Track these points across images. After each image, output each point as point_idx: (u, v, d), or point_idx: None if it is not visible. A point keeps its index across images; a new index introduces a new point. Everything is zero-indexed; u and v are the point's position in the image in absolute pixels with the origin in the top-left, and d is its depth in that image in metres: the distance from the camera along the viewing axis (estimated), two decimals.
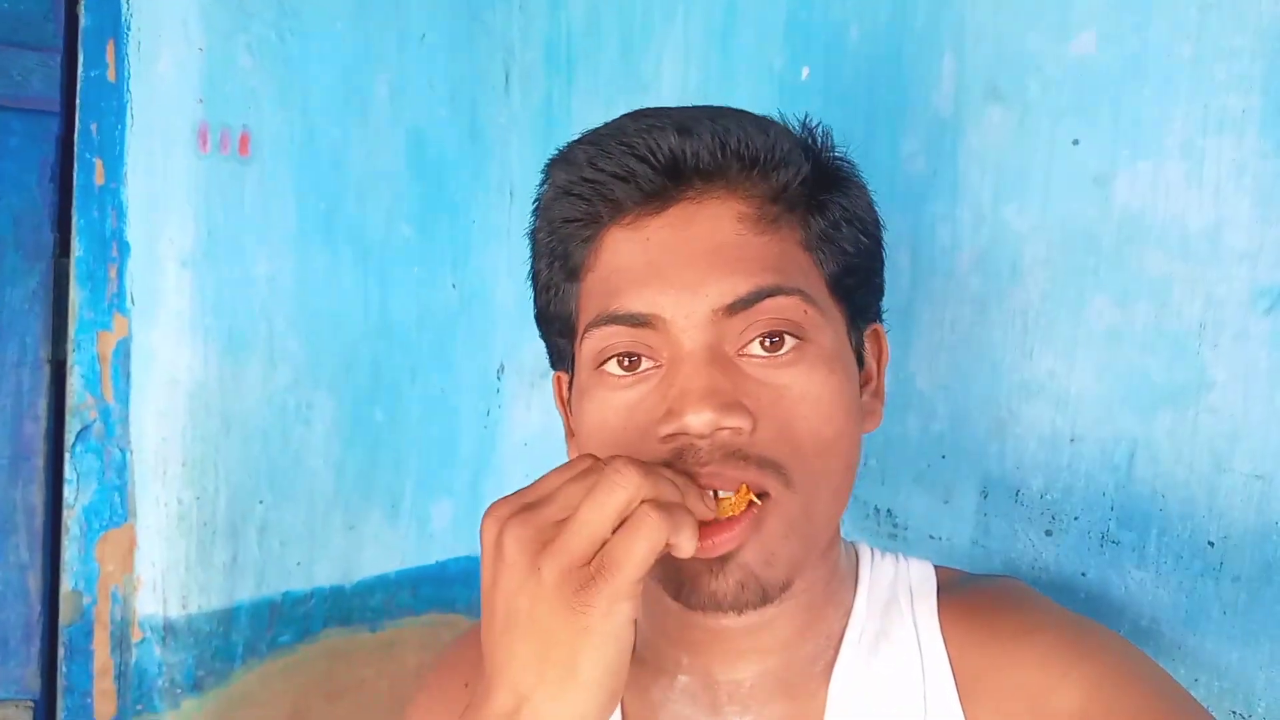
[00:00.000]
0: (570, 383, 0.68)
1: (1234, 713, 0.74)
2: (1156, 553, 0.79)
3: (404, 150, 1.37)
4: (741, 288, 0.57)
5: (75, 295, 1.22)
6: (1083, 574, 0.83)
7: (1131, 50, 0.81)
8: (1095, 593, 0.83)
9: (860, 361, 0.65)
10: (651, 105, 1.23)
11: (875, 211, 0.68)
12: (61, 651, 1.24)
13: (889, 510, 0.99)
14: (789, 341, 0.58)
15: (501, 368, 1.49)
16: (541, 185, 0.67)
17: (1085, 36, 0.84)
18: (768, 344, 0.58)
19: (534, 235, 0.68)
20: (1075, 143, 0.85)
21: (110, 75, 1.21)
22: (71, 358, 1.23)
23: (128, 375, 1.24)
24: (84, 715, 1.24)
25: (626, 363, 0.59)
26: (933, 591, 0.68)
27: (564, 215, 0.63)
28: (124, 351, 1.24)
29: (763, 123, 0.62)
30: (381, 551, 1.41)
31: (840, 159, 0.66)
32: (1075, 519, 0.84)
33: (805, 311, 0.59)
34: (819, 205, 0.62)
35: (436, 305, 1.42)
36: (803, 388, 0.58)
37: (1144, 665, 0.61)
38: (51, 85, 1.22)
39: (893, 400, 0.99)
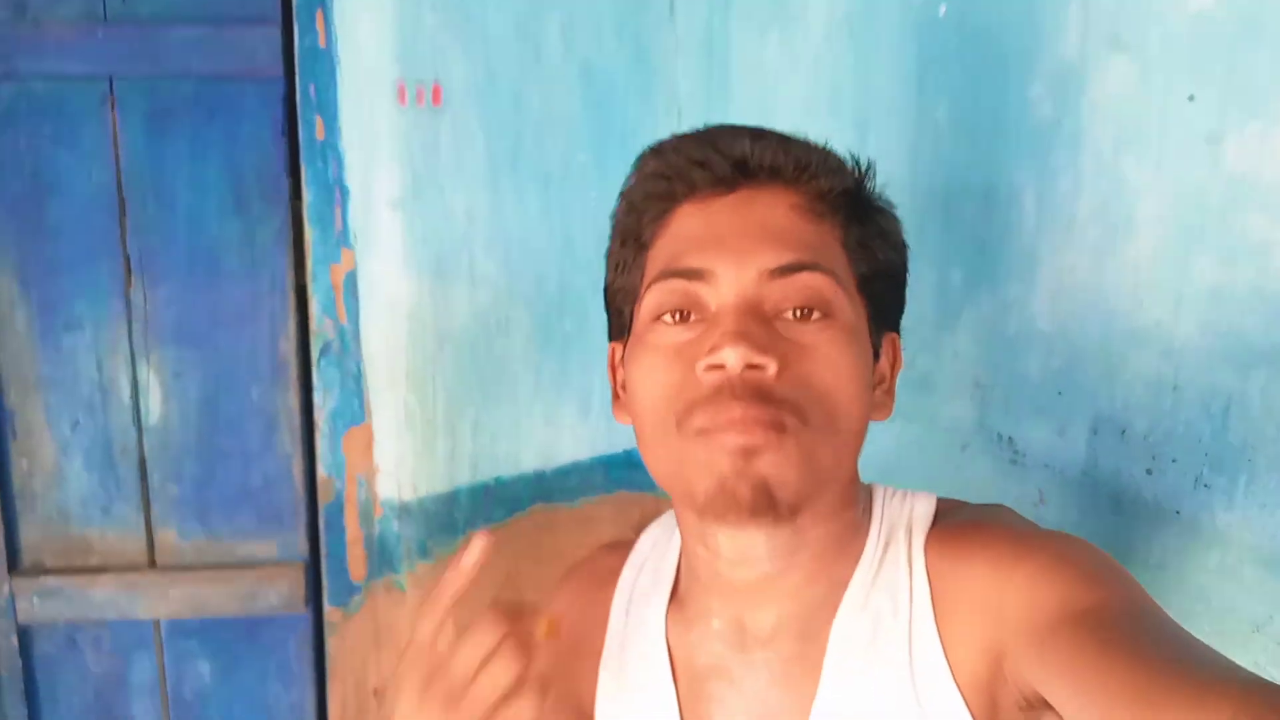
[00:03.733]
0: (624, 349, 0.78)
1: None
2: (1244, 499, 0.84)
3: (576, 83, 1.48)
4: (785, 257, 0.68)
5: (309, 233, 1.44)
6: (1177, 512, 0.90)
7: (1249, 8, 0.81)
8: (1187, 530, 0.89)
9: (876, 356, 0.74)
10: (798, 33, 1.29)
11: (905, 243, 0.75)
12: (322, 525, 1.53)
13: (1010, 438, 1.07)
14: (817, 313, 0.68)
15: None
16: (630, 174, 0.77)
17: None
18: (799, 313, 0.68)
19: (614, 217, 0.79)
20: (1190, 99, 0.86)
21: (321, 42, 1.38)
22: (311, 286, 1.46)
23: (356, 300, 1.46)
24: (343, 574, 1.54)
25: (679, 316, 0.70)
26: (927, 526, 0.75)
27: (645, 192, 0.74)
28: (352, 281, 1.46)
29: (818, 145, 0.71)
30: (576, 441, 1.61)
31: (881, 195, 0.74)
32: (1174, 461, 0.90)
33: (835, 291, 0.68)
34: (860, 216, 0.71)
35: None
36: (825, 350, 0.68)
37: (1080, 553, 0.66)
38: (274, 54, 1.41)
39: (1017, 337, 1.05)
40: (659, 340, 0.71)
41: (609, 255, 0.80)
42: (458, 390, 1.52)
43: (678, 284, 0.70)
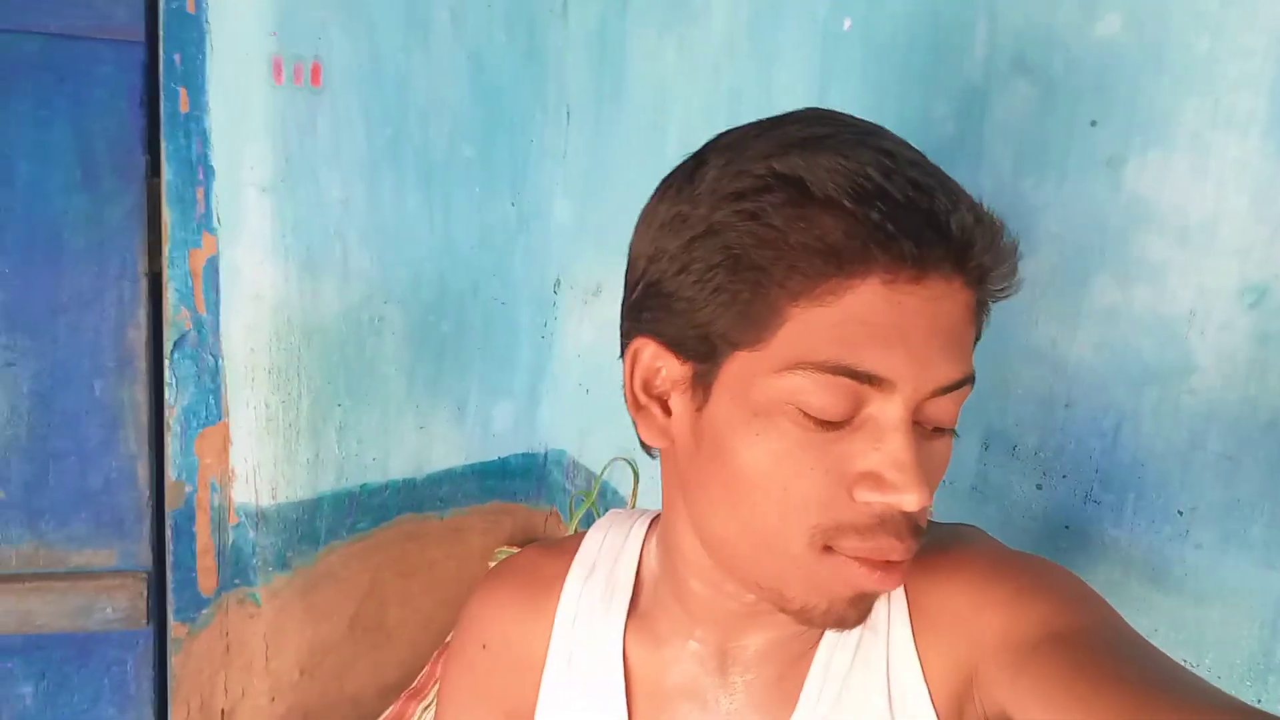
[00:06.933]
0: (694, 371, 0.64)
1: (1185, 660, 0.83)
2: (1132, 516, 0.87)
3: (464, 73, 1.42)
4: (957, 373, 0.59)
5: (167, 215, 1.34)
6: (1066, 527, 0.92)
7: (1153, 37, 0.83)
8: (1076, 545, 0.91)
9: None
10: (697, 36, 1.27)
11: None
12: (169, 532, 1.41)
13: None
14: (949, 426, 0.63)
15: (558, 282, 1.58)
16: (764, 182, 0.58)
17: (1111, 18, 0.86)
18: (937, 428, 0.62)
19: (721, 227, 0.60)
20: (1093, 124, 0.88)
21: (189, 7, 1.28)
22: (166, 272, 1.35)
23: (217, 290, 1.36)
24: (190, 586, 1.43)
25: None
26: None
27: (818, 240, 0.57)
28: (213, 268, 1.35)
29: (993, 218, 0.61)
30: (449, 448, 1.54)
31: None
32: (1064, 477, 0.92)
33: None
34: (988, 312, 0.66)
35: (496, 223, 1.50)
36: (943, 457, 0.63)
37: (1059, 578, 0.65)
38: (135, 16, 1.30)
39: None
40: (803, 436, 0.59)
41: (693, 259, 0.61)
42: (324, 391, 1.43)
43: (849, 385, 0.58)
